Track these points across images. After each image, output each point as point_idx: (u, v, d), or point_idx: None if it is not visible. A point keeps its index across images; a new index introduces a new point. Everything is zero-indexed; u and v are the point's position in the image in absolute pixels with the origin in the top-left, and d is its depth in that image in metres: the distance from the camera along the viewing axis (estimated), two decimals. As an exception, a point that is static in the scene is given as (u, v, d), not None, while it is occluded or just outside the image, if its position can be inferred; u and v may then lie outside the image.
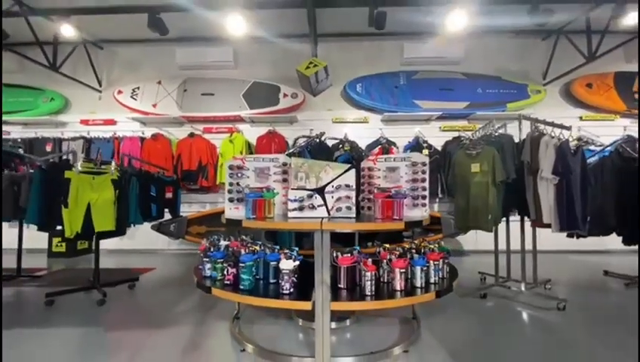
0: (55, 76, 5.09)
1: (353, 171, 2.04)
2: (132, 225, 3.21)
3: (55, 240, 5.01)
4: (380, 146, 5.03)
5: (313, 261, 1.75)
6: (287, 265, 1.85)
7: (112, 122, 5.51)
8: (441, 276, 2.02)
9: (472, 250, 5.12)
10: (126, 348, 2.11)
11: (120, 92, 5.42)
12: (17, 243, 3.74)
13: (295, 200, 1.96)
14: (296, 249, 2.00)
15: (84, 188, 2.60)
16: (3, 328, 2.43)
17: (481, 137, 3.09)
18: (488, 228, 2.88)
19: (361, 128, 5.40)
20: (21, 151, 4.05)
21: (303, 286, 1.87)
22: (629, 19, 3.98)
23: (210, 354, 2.09)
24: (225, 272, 2.00)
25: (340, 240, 3.07)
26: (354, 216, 1.98)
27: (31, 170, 2.84)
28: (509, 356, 2.00)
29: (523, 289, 2.97)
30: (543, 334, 2.32)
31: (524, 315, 2.67)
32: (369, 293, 1.79)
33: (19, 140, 5.24)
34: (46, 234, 4.90)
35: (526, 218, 3.01)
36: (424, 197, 2.19)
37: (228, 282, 1.98)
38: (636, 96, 5.37)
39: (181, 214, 4.17)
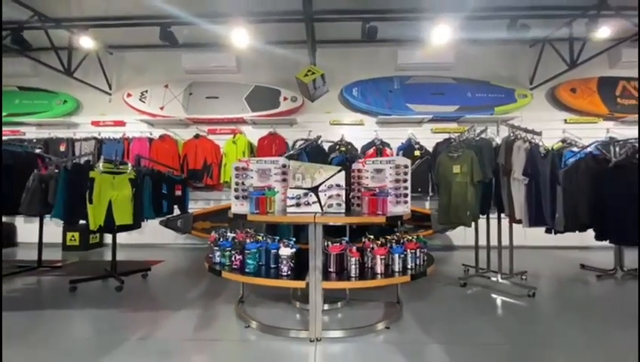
0: (68, 80, 5.39)
1: (343, 173, 2.37)
2: (146, 219, 3.54)
3: (69, 235, 5.36)
4: (374, 147, 5.35)
5: (308, 251, 2.07)
6: (285, 252, 2.18)
7: (121, 123, 5.83)
8: (418, 263, 2.34)
9: (461, 245, 5.43)
10: (145, 326, 2.43)
11: (129, 95, 5.74)
12: (38, 238, 4.09)
13: (293, 198, 2.29)
14: (294, 239, 2.32)
15: (106, 186, 2.93)
16: (35, 309, 2.78)
17: (463, 141, 3.40)
18: (468, 223, 3.21)
19: (357, 130, 5.72)
20: (40, 151, 4.36)
21: (299, 270, 2.21)
22: (602, 33, 4.32)
23: (219, 330, 2.41)
24: (232, 259, 2.33)
25: (334, 234, 3.39)
26: (343, 211, 2.30)
27: (56, 170, 3.15)
28: (476, 332, 2.32)
29: (499, 279, 3.29)
30: (509, 315, 2.65)
31: (497, 301, 2.99)
32: (354, 275, 2.13)
33: (34, 140, 5.57)
34: (60, 230, 5.27)
35: (503, 215, 3.33)
36: (406, 196, 2.52)
37: (235, 266, 2.31)
38: (618, 100, 5.68)
39: (188, 211, 4.49)
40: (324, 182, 2.33)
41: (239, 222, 2.58)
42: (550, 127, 5.44)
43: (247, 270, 2.21)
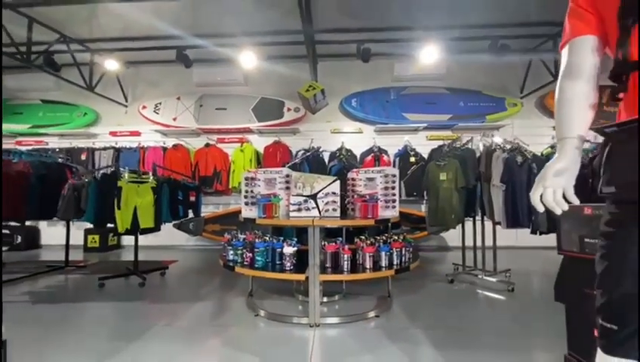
0: (88, 93, 5.85)
1: (338, 182, 2.74)
2: (164, 223, 3.94)
3: (90, 238, 5.78)
4: (372, 154, 5.70)
5: (308, 251, 2.45)
6: (288, 250, 2.56)
7: (137, 133, 6.27)
8: (403, 260, 2.70)
9: (455, 246, 5.75)
10: (168, 315, 2.81)
11: (144, 107, 6.19)
12: (65, 240, 4.51)
13: (295, 204, 2.67)
14: (295, 239, 2.71)
15: (132, 194, 3.33)
16: (74, 301, 3.18)
17: (449, 151, 3.75)
18: (453, 225, 3.56)
19: (356, 138, 6.09)
20: (68, 161, 4.79)
21: (300, 266, 2.60)
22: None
23: (232, 317, 2.79)
24: (244, 256, 2.72)
25: (332, 235, 3.77)
26: (338, 215, 2.68)
27: (86, 180, 3.57)
28: (456, 321, 2.67)
29: (484, 276, 3.63)
30: (488, 307, 2.99)
31: (479, 295, 3.34)
32: (346, 269, 2.51)
33: (57, 150, 6.03)
34: (81, 232, 5.71)
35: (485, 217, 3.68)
36: (394, 201, 2.88)
37: (246, 263, 2.70)
38: (604, 107, 5.98)
39: (201, 215, 4.90)
40: (321, 190, 2.71)
41: (249, 225, 2.97)
42: (540, 133, 5.79)
43: (256, 265, 2.60)
